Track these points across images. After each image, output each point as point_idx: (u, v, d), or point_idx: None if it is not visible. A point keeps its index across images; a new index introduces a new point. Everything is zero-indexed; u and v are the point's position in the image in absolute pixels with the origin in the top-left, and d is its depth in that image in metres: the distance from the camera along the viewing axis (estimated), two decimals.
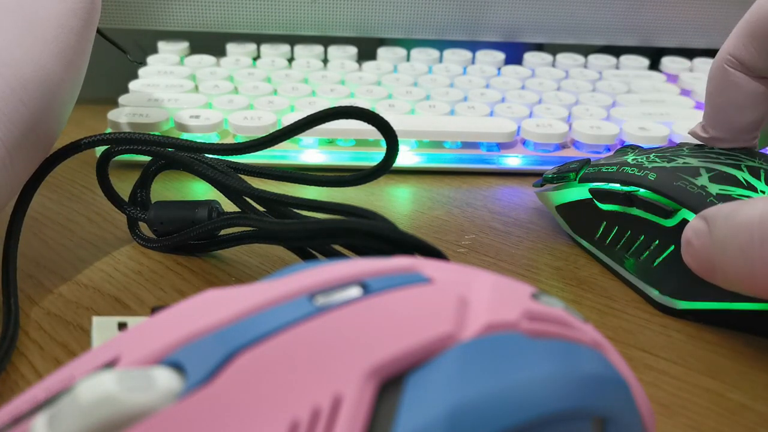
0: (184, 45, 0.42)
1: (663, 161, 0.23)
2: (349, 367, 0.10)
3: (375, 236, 0.16)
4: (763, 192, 0.21)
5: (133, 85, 0.37)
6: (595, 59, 0.43)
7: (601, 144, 0.33)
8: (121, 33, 0.39)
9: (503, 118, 0.34)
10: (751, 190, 0.21)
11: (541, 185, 0.28)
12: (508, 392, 0.10)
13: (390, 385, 0.10)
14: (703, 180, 0.22)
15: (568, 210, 0.27)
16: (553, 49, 0.45)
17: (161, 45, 0.42)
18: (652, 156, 0.24)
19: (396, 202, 0.31)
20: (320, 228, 0.17)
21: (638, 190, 0.23)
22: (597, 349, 0.12)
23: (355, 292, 0.12)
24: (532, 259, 0.26)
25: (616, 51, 0.45)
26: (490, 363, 0.10)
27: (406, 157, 0.33)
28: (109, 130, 0.33)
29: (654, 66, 0.44)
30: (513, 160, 0.33)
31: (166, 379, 0.10)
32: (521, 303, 0.12)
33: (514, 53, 0.44)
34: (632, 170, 0.24)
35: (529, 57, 0.44)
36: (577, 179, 0.26)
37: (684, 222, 0.21)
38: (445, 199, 0.31)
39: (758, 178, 0.22)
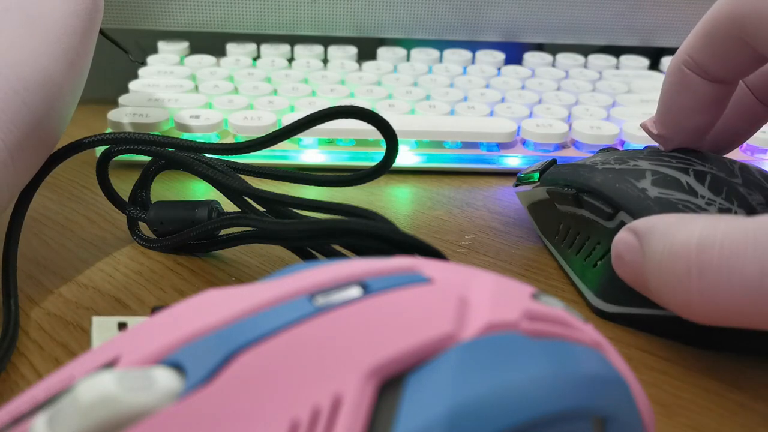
0: (184, 45, 0.42)
1: (616, 163, 0.23)
2: (349, 367, 0.10)
3: (374, 236, 0.16)
4: (704, 197, 0.21)
5: (133, 85, 0.37)
6: (595, 59, 0.43)
7: (601, 144, 0.33)
8: (121, 33, 0.39)
9: (503, 118, 0.34)
10: (691, 194, 0.21)
11: (517, 185, 0.28)
12: (508, 392, 0.10)
13: (390, 385, 0.10)
14: (645, 183, 0.21)
15: (535, 210, 0.27)
16: (553, 49, 0.45)
17: (161, 45, 0.42)
18: (612, 159, 0.24)
19: (396, 202, 0.31)
20: (320, 228, 0.17)
21: (584, 192, 0.23)
22: (597, 349, 0.12)
23: (355, 292, 0.12)
24: (532, 259, 0.26)
25: (616, 51, 0.45)
26: (490, 363, 0.10)
27: (406, 157, 0.33)
28: (109, 130, 0.33)
29: (654, 66, 0.44)
30: (513, 160, 0.33)
31: (166, 379, 0.10)
32: (521, 303, 0.12)
33: (514, 53, 0.44)
34: (584, 171, 0.23)
35: (529, 57, 0.44)
36: (539, 180, 0.26)
37: (622, 224, 0.21)
38: (445, 199, 0.31)
39: (702, 182, 0.21)
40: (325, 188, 0.30)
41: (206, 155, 0.24)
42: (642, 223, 0.19)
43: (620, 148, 0.28)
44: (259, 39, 0.43)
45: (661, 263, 0.17)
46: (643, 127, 0.25)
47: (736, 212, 0.20)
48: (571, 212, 0.24)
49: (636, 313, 0.21)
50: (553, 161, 0.26)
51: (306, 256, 0.22)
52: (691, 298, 0.17)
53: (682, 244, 0.17)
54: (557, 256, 0.26)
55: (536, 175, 0.26)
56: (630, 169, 0.22)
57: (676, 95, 0.23)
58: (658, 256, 0.17)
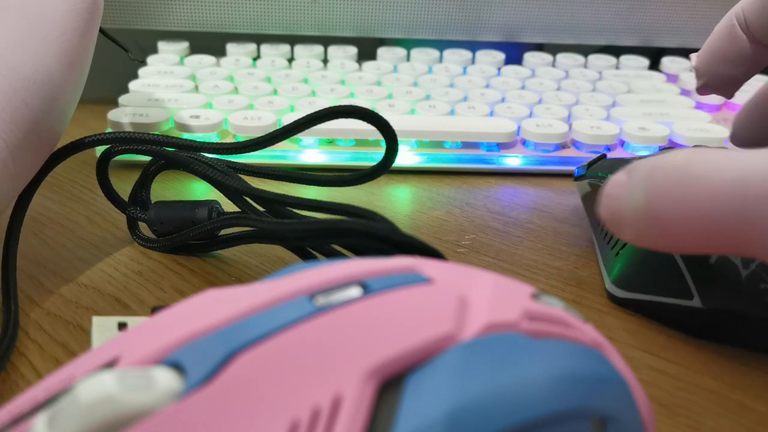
0: (184, 45, 0.42)
1: None
2: (349, 367, 0.10)
3: (374, 236, 0.16)
4: None
5: (133, 85, 0.37)
6: (595, 59, 0.43)
7: (601, 144, 0.33)
8: (122, 33, 0.39)
9: (503, 118, 0.34)
10: None
11: (576, 179, 0.29)
12: (508, 392, 0.10)
13: (390, 385, 0.10)
14: None
15: (585, 202, 0.28)
16: (553, 49, 0.45)
17: (161, 45, 0.42)
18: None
19: (396, 202, 0.31)
20: (320, 228, 0.17)
21: None
22: (597, 349, 0.12)
23: (355, 292, 0.12)
24: (532, 259, 0.26)
25: (616, 51, 0.45)
26: (490, 363, 0.10)
27: (406, 157, 0.33)
28: (109, 130, 0.33)
29: (654, 66, 0.44)
30: (513, 160, 0.33)
31: (166, 379, 0.10)
32: (521, 303, 0.12)
33: (514, 53, 0.44)
34: (623, 164, 0.24)
35: (529, 57, 0.44)
36: (587, 172, 0.27)
37: None
38: (445, 199, 0.31)
39: None
40: (325, 188, 0.30)
41: (206, 155, 0.24)
42: (636, 162, 0.17)
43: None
44: (259, 39, 0.43)
45: (640, 183, 0.16)
46: (691, 58, 0.27)
47: None
48: None
49: (646, 300, 0.22)
50: (603, 156, 0.27)
51: (306, 256, 0.22)
52: (672, 215, 0.15)
53: (670, 164, 0.16)
54: (596, 247, 0.26)
55: (585, 167, 0.27)
56: None
57: (720, 41, 0.25)
58: (647, 180, 0.16)
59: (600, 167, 0.26)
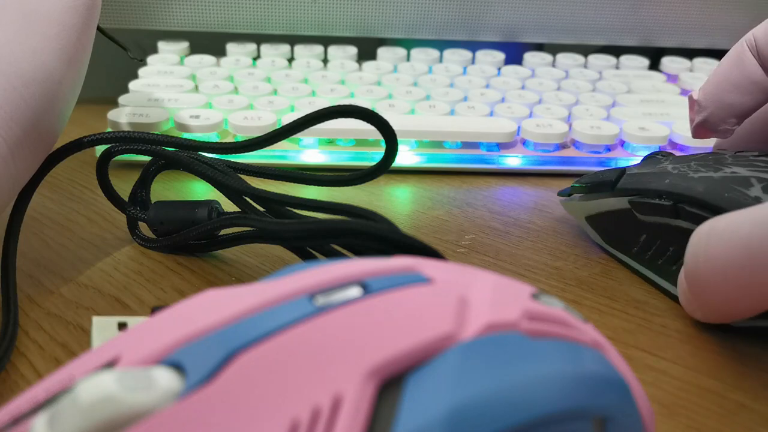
0: (184, 45, 0.42)
1: (708, 170, 0.22)
2: (349, 367, 0.10)
3: (374, 236, 0.16)
4: None
5: (133, 85, 0.37)
6: (595, 59, 0.43)
7: (601, 144, 0.33)
8: (121, 33, 0.39)
9: (503, 118, 0.34)
10: None
11: (569, 194, 0.27)
12: (508, 392, 0.10)
13: (390, 385, 0.10)
14: (755, 191, 0.21)
15: (600, 220, 0.26)
16: (553, 49, 0.45)
17: (161, 45, 0.42)
18: (693, 164, 0.23)
19: (396, 202, 0.31)
20: (320, 228, 0.17)
21: (684, 202, 0.22)
22: (597, 349, 0.12)
23: (355, 292, 0.12)
24: (532, 259, 0.26)
25: (616, 51, 0.45)
26: (490, 363, 0.10)
27: (406, 157, 0.33)
28: (109, 130, 0.33)
29: (654, 66, 0.44)
30: (513, 160, 0.33)
31: (166, 379, 0.10)
32: (521, 303, 0.12)
33: (514, 53, 0.44)
34: (676, 180, 0.22)
35: (529, 57, 0.44)
36: (613, 189, 0.25)
37: None
38: (445, 199, 0.31)
39: None
40: (325, 188, 0.30)
41: (206, 155, 0.24)
42: (706, 223, 0.19)
43: (673, 153, 0.27)
44: (259, 39, 0.43)
45: (715, 252, 0.18)
46: (689, 97, 0.25)
47: None
48: (661, 223, 0.23)
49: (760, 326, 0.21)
50: (624, 170, 0.25)
51: (306, 256, 0.22)
52: (699, 264, 0.18)
53: (732, 228, 0.18)
54: (633, 264, 0.25)
55: (609, 185, 0.25)
56: (731, 177, 0.21)
57: (728, 67, 0.24)
58: (714, 246, 0.18)
59: (633, 183, 0.24)
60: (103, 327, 0.17)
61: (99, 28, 0.27)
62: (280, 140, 0.23)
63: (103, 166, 0.24)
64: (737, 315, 0.19)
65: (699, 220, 0.20)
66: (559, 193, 0.28)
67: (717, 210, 0.21)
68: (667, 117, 0.35)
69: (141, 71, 0.39)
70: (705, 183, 0.22)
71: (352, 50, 0.42)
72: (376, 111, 0.22)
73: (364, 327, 0.11)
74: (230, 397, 0.10)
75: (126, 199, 0.25)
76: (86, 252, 0.25)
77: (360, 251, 0.18)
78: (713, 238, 0.18)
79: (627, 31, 0.44)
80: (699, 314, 0.21)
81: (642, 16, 0.43)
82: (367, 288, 0.12)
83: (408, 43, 0.44)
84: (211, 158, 0.24)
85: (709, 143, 0.30)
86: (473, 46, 0.44)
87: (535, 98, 0.37)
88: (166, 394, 0.10)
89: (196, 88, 0.37)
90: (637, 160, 0.33)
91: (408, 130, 0.32)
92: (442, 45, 0.43)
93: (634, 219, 0.24)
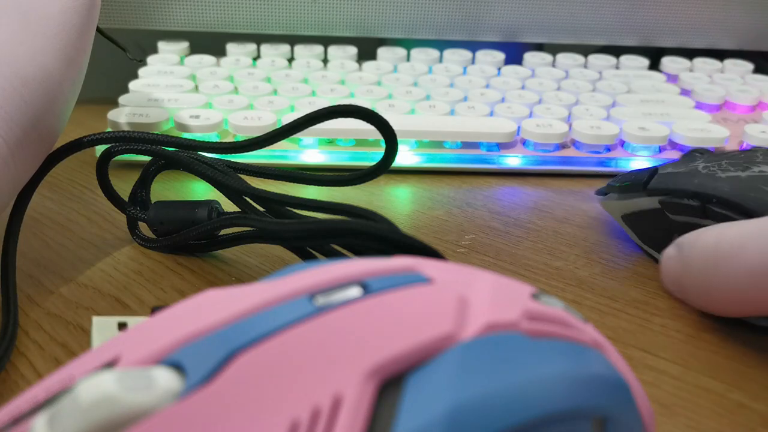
0: (184, 45, 0.42)
1: (737, 169, 0.22)
2: (349, 367, 0.10)
3: (374, 236, 0.16)
4: None
5: (133, 85, 0.37)
6: (595, 59, 0.43)
7: (601, 144, 0.33)
8: (121, 33, 0.39)
9: (503, 118, 0.34)
10: None
11: (605, 194, 0.28)
12: (508, 392, 0.10)
13: (390, 385, 0.10)
14: None
15: (635, 220, 0.26)
16: (553, 49, 0.45)
17: (161, 45, 0.42)
18: (724, 163, 0.23)
19: (396, 202, 0.31)
20: (320, 228, 0.17)
21: (712, 202, 0.22)
22: (597, 349, 0.12)
23: (355, 292, 0.12)
24: (532, 259, 0.26)
25: (616, 51, 0.45)
26: (490, 363, 0.10)
27: (406, 157, 0.33)
28: (109, 130, 0.33)
29: (654, 66, 0.44)
30: (513, 160, 0.33)
31: (166, 379, 0.10)
32: (521, 303, 0.12)
33: (514, 53, 0.44)
34: (704, 180, 0.23)
35: (529, 57, 0.44)
36: (645, 189, 0.25)
37: None
38: (445, 199, 0.31)
39: None
40: (325, 188, 0.30)
41: (206, 155, 0.24)
42: (684, 236, 0.21)
43: (710, 150, 0.27)
44: (259, 39, 0.43)
45: (690, 261, 0.20)
46: None
47: None
48: (692, 222, 0.23)
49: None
50: (656, 169, 0.25)
51: (306, 256, 0.22)
52: (712, 288, 0.20)
53: (704, 241, 0.20)
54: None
55: (641, 185, 0.25)
56: (758, 176, 0.22)
57: None
58: (688, 256, 0.21)
59: (665, 182, 0.24)
60: (103, 327, 0.17)
61: (98, 29, 0.27)
62: (280, 140, 0.23)
63: (103, 166, 0.24)
64: (740, 314, 0.20)
65: (726, 221, 0.21)
66: (597, 192, 0.29)
67: (742, 209, 0.21)
68: (667, 117, 0.35)
69: (141, 71, 0.39)
70: (731, 183, 0.22)
71: (352, 50, 0.42)
72: (376, 111, 0.22)
73: (364, 327, 0.11)
74: (230, 397, 0.10)
75: (126, 199, 0.25)
76: (86, 252, 0.25)
77: (360, 251, 0.18)
78: (723, 263, 0.19)
79: (627, 31, 0.44)
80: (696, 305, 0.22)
81: (642, 16, 0.43)
82: (367, 288, 0.12)
83: (408, 43, 0.44)
84: (211, 158, 0.24)
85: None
86: (473, 46, 0.44)
87: (535, 98, 0.37)
88: (165, 394, 0.10)
89: (196, 88, 0.37)
90: (637, 161, 0.34)
91: (408, 130, 0.32)
92: (442, 45, 0.43)
93: (666, 218, 0.24)
